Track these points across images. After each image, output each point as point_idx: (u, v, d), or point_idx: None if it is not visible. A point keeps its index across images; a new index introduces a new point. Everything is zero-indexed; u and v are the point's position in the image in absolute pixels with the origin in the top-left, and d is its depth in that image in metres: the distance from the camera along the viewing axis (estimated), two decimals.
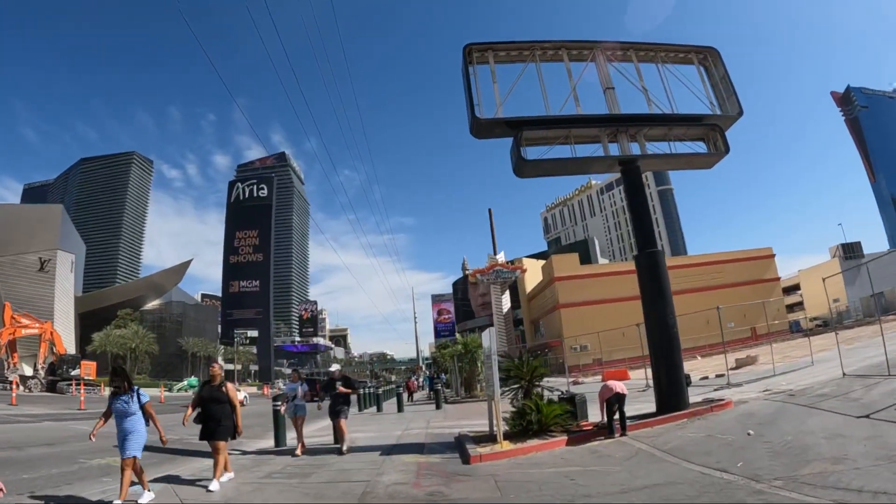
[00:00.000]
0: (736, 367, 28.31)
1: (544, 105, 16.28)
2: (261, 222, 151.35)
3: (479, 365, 34.22)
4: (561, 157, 16.38)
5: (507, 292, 73.26)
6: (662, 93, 17.45)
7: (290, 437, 15.09)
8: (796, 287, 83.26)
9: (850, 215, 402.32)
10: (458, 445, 13.07)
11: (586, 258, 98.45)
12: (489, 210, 72.45)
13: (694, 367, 32.44)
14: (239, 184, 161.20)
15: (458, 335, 52.98)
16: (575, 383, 33.30)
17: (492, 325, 36.88)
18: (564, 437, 12.55)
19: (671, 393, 14.98)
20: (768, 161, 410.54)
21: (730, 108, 17.73)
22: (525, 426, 12.93)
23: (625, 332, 35.24)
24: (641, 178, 17.16)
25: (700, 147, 17.68)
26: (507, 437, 12.71)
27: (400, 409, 28.91)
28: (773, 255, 78.97)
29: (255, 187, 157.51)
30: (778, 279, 77.53)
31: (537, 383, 15.09)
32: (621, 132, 16.81)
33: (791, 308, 79.58)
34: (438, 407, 28.70)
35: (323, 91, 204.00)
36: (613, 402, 12.84)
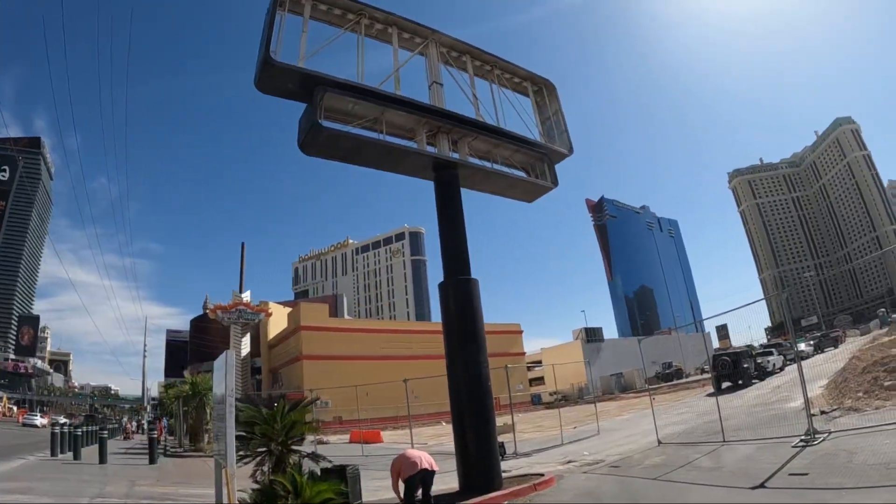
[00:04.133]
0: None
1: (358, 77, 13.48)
2: None
3: (208, 411, 29.63)
4: (367, 136, 13.52)
5: (248, 336, 70.45)
6: (492, 110, 16.22)
7: None
8: (538, 363, 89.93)
9: (592, 305, 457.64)
10: None
11: (333, 313, 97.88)
12: (242, 244, 69.53)
13: (442, 434, 32.57)
14: None
15: (186, 374, 49.00)
16: (320, 443, 31.07)
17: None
18: None
19: (483, 466, 12.46)
20: (524, 244, 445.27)
21: (560, 143, 17.15)
22: None
23: (368, 392, 34.73)
24: (458, 190, 14.87)
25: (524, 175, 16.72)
26: None
27: (102, 459, 23.04)
28: (521, 332, 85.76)
29: None
30: (523, 354, 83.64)
31: (296, 447, 10.55)
32: (443, 132, 14.76)
33: (532, 382, 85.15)
34: (153, 461, 23.81)
35: (95, 85, 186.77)
36: (417, 481, 9.76)
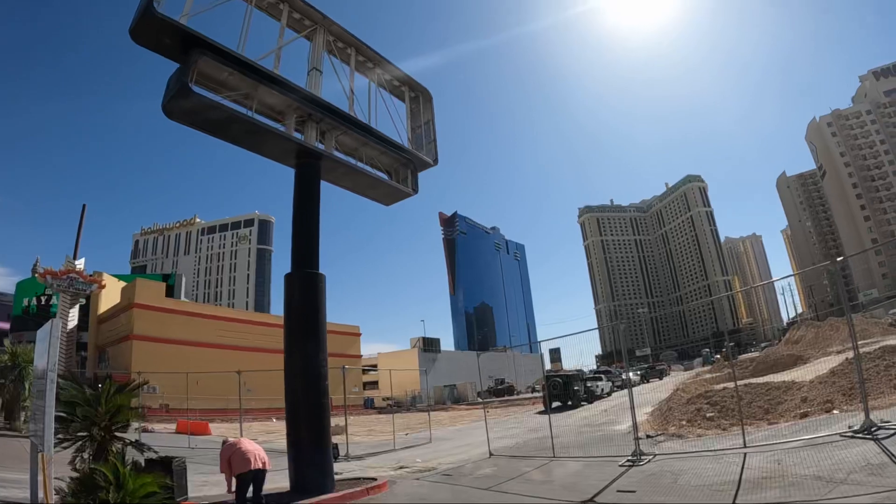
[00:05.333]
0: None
1: (239, 48, 12.83)
2: None
3: (27, 386, 27.04)
4: (236, 110, 12.76)
5: (78, 307, 65.40)
6: (366, 108, 16.09)
7: None
8: (374, 367, 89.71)
9: (432, 315, 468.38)
10: None
11: (171, 294, 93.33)
12: (83, 206, 64.67)
13: (273, 430, 31.72)
14: None
15: (7, 343, 44.68)
16: (145, 431, 28.82)
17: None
18: None
19: (316, 467, 12.21)
20: (372, 246, 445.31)
21: (427, 153, 17.35)
22: None
23: (199, 381, 32.93)
24: (319, 182, 14.62)
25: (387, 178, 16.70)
26: None
27: None
28: (360, 334, 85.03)
29: None
30: (360, 356, 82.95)
31: (120, 434, 9.80)
32: (313, 121, 14.49)
33: (366, 386, 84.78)
34: None
35: None
36: (249, 479, 9.50)
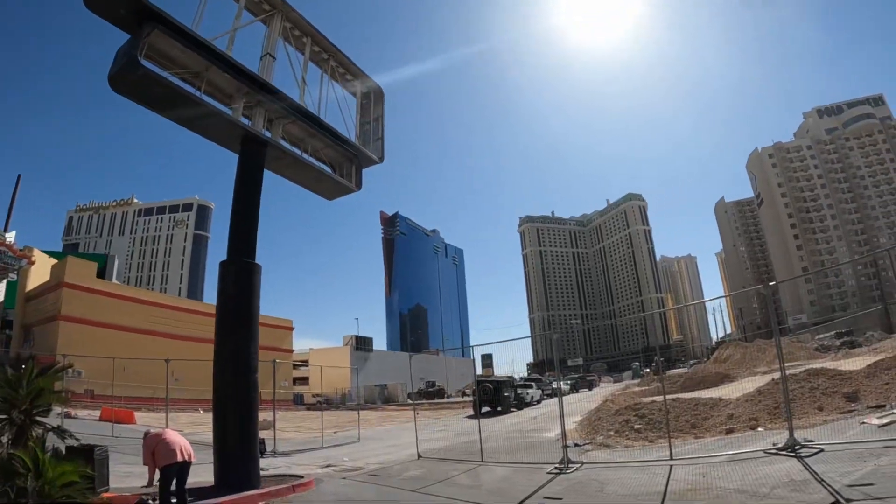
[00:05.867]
0: None
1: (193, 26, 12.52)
2: None
3: None
4: (184, 89, 12.47)
5: (5, 283, 62.75)
6: (317, 99, 15.87)
7: None
8: (305, 362, 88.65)
9: (366, 314, 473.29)
10: None
11: (103, 275, 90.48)
12: (18, 176, 62.54)
13: (199, 423, 30.97)
14: None
15: None
16: (67, 417, 27.63)
17: None
18: None
19: (242, 462, 11.98)
20: (309, 240, 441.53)
21: (373, 150, 17.28)
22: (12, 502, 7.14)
23: (126, 367, 32.15)
24: (262, 170, 14.32)
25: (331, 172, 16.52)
26: None
27: None
28: (293, 328, 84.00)
29: None
30: (292, 351, 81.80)
31: (41, 418, 9.26)
32: (262, 107, 14.23)
33: (296, 381, 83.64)
34: None
35: None
36: (174, 472, 9.26)
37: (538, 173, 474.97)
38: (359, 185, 16.97)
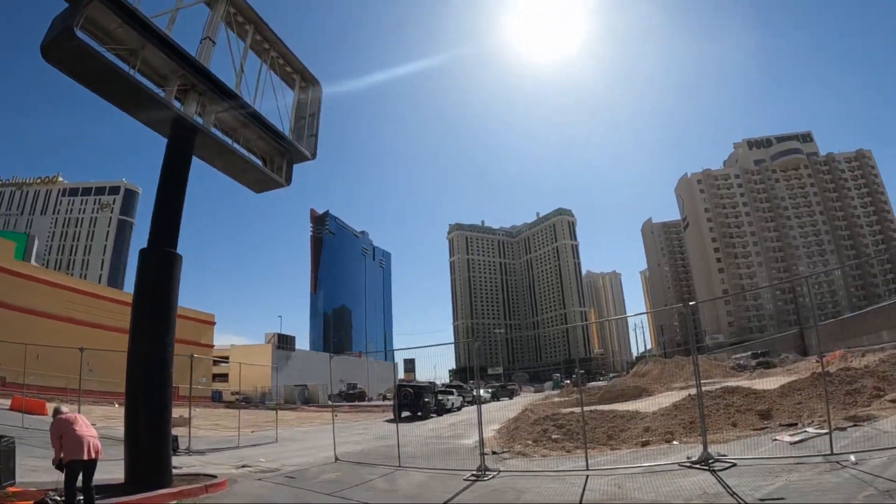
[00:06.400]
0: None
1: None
2: None
3: None
4: (118, 66, 11.90)
5: None
6: (253, 90, 15.48)
7: None
8: (226, 358, 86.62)
9: (290, 312, 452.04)
10: None
11: (21, 255, 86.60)
12: None
13: (113, 416, 29.90)
14: None
15: None
16: None
17: None
18: None
19: (154, 460, 11.57)
20: (236, 233, 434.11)
21: (306, 145, 17.04)
22: None
23: (39, 355, 31.05)
24: (191, 157, 13.88)
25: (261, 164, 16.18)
26: None
27: None
28: (214, 323, 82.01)
29: None
30: (212, 346, 79.81)
31: None
32: (196, 92, 13.84)
33: (215, 378, 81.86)
34: None
35: None
36: (79, 469, 8.78)
37: (472, 183, 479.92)
38: (288, 181, 16.68)
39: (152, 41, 12.43)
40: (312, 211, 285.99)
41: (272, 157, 16.61)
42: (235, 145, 15.48)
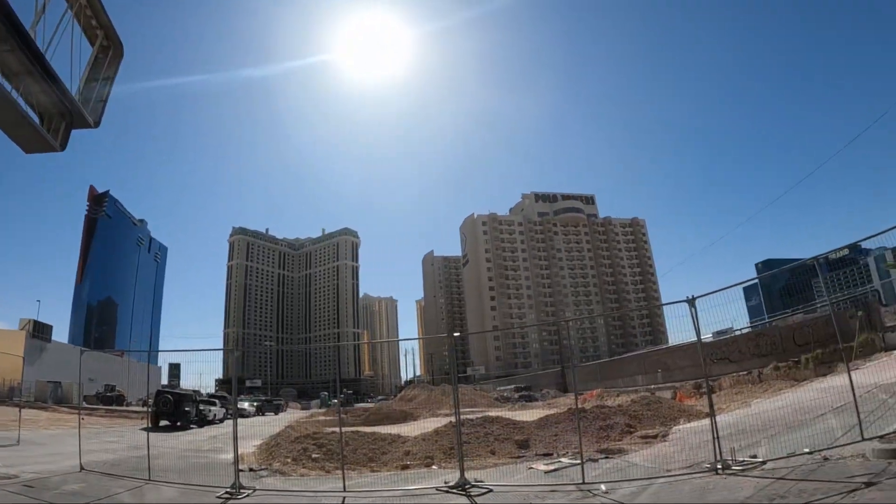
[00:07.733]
0: None
1: None
2: None
3: None
4: None
5: None
6: (49, 36, 13.62)
7: None
8: None
9: (51, 298, 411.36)
10: None
11: None
12: None
13: None
14: None
15: None
16: None
17: None
18: None
19: None
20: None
21: (91, 111, 15.78)
22: None
23: None
24: None
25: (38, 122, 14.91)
26: None
27: None
28: None
29: None
30: None
31: None
32: None
33: None
34: None
35: None
36: None
37: (263, 188, 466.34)
38: (63, 146, 14.88)
39: None
40: (92, 188, 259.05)
41: (51, 116, 14.77)
42: (15, 93, 13.83)
